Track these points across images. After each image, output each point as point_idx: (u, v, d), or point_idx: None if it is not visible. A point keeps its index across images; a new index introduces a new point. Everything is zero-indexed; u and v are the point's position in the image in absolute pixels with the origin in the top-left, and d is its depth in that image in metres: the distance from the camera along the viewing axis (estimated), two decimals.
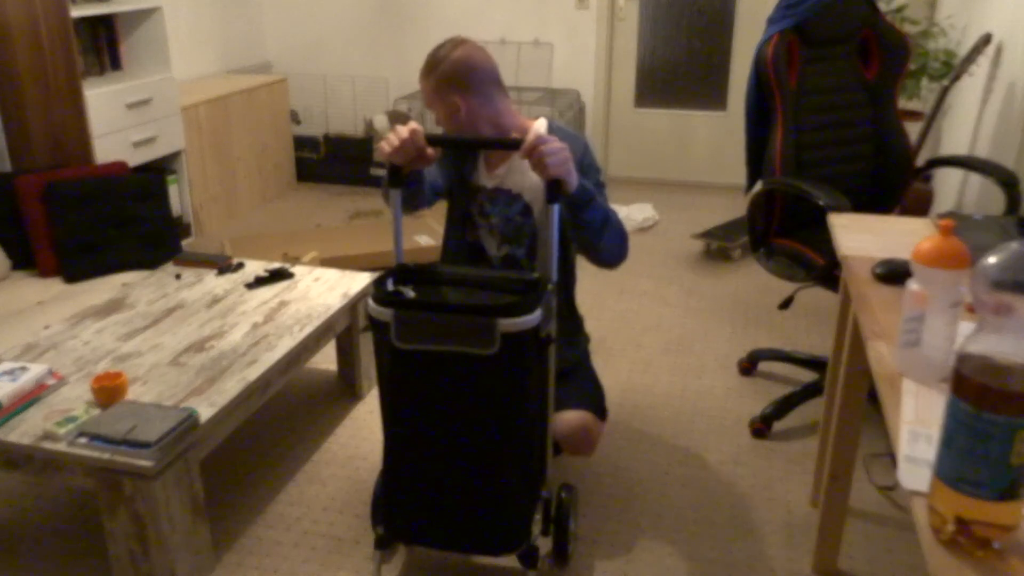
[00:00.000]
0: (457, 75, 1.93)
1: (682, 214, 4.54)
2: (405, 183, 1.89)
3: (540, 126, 2.07)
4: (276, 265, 2.69)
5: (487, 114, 1.97)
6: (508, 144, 1.86)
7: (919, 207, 3.70)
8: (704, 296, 3.49)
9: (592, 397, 2.14)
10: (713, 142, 5.02)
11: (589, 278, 3.62)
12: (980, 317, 0.89)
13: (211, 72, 4.82)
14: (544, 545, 1.99)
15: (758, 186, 2.54)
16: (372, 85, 5.24)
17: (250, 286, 2.54)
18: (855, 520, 2.12)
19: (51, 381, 1.96)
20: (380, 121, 5.07)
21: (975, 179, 3.24)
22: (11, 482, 2.30)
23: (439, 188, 2.09)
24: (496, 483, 1.68)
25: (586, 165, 2.00)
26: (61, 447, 1.73)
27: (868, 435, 2.45)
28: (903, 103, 4.26)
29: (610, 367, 2.90)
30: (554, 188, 1.71)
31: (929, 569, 0.88)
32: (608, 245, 1.89)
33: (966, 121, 3.54)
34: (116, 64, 3.87)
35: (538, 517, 1.87)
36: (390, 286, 1.73)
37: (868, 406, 2.27)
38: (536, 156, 1.68)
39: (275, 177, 4.89)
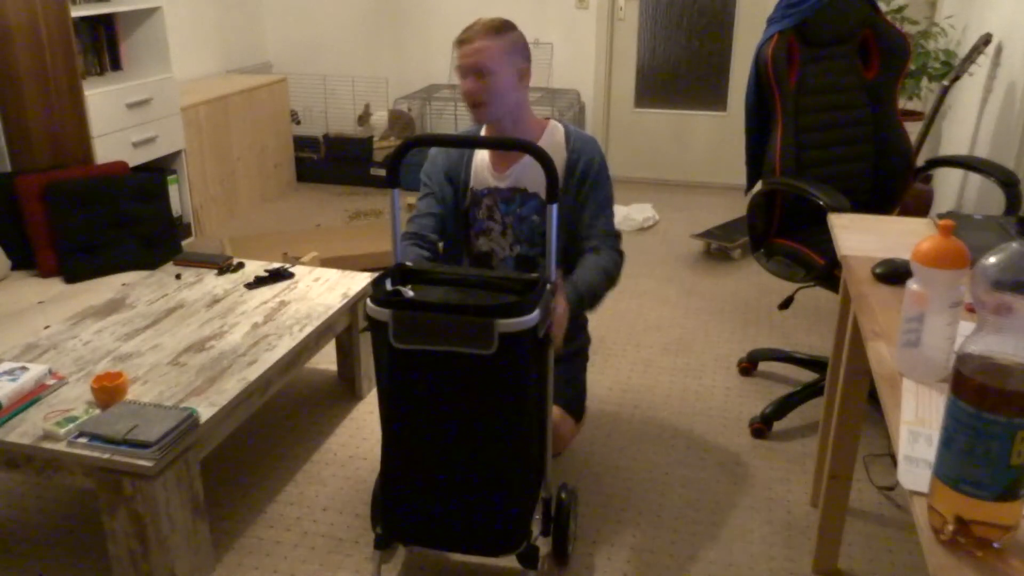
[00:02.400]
0: (496, 23, 1.99)
1: (682, 214, 4.54)
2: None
3: (556, 132, 2.07)
4: (276, 265, 2.69)
5: (510, 85, 1.98)
6: (507, 145, 1.84)
7: (919, 207, 3.69)
8: (704, 296, 3.49)
9: (568, 395, 2.13)
10: (713, 142, 5.02)
11: None
12: (980, 317, 0.89)
13: (211, 72, 4.82)
14: (544, 545, 1.99)
15: (758, 186, 2.54)
16: (372, 85, 5.24)
17: (250, 286, 2.54)
18: (855, 520, 2.12)
19: (51, 381, 1.96)
20: (379, 117, 5.07)
21: (975, 179, 3.24)
22: (11, 482, 2.30)
23: (446, 224, 2.13)
24: (495, 483, 1.68)
25: (602, 180, 2.05)
26: (61, 447, 1.73)
27: (868, 435, 2.45)
28: (903, 103, 4.26)
29: (610, 367, 2.90)
30: (553, 186, 1.69)
31: (929, 569, 0.88)
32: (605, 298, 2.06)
33: (966, 121, 3.54)
34: (116, 64, 3.88)
35: (538, 517, 1.87)
36: (388, 286, 1.73)
37: (868, 406, 2.27)
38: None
39: (275, 177, 4.89)
